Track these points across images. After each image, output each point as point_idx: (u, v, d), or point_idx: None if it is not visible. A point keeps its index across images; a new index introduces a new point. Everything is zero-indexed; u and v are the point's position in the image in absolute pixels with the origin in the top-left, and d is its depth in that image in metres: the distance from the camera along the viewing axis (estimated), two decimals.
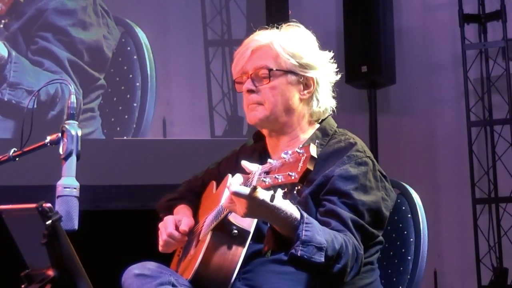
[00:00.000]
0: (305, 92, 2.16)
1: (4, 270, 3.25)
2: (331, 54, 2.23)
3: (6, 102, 4.35)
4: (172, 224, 2.27)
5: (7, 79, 4.37)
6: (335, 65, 2.23)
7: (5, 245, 2.16)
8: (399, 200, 2.30)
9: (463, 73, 5.05)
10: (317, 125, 2.21)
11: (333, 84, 2.23)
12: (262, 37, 2.18)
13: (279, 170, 1.68)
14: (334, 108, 2.24)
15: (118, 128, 4.61)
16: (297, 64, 2.14)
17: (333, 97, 2.23)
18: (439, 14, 5.36)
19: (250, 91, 2.15)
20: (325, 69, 2.19)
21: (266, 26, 2.23)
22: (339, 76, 2.23)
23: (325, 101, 2.19)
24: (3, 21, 4.46)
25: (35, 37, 4.48)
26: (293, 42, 2.16)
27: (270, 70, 2.13)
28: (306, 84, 2.16)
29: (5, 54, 4.39)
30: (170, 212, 2.40)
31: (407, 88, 5.33)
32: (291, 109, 2.15)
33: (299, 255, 1.80)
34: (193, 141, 4.71)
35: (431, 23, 5.36)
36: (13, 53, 4.41)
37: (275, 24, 2.23)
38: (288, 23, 2.23)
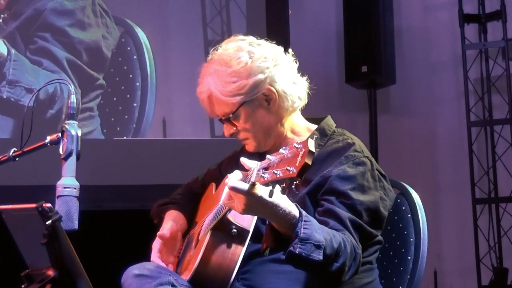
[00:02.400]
0: (271, 103, 2.12)
1: (4, 270, 3.25)
2: (269, 43, 2.15)
3: (4, 100, 4.35)
4: (155, 250, 2.29)
5: (6, 77, 4.36)
6: (279, 48, 2.15)
7: (5, 245, 2.16)
8: (399, 200, 2.30)
9: (463, 73, 5.05)
10: (315, 126, 2.21)
11: (292, 58, 2.16)
12: (203, 86, 2.16)
13: (278, 166, 1.68)
14: (308, 83, 2.17)
15: (118, 128, 4.61)
16: (243, 94, 2.09)
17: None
18: (439, 14, 5.35)
19: (233, 134, 2.18)
20: (272, 64, 2.10)
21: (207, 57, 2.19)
22: (290, 51, 2.17)
23: (294, 91, 2.13)
24: (2, 15, 4.45)
25: (33, 37, 4.48)
26: (227, 78, 2.09)
27: (228, 117, 2.13)
28: (267, 97, 2.12)
29: (5, 52, 4.39)
30: (161, 217, 2.41)
31: (407, 88, 5.33)
32: (272, 128, 2.15)
33: (297, 252, 1.80)
34: (193, 141, 4.71)
35: (431, 23, 5.36)
36: (13, 51, 4.41)
37: (212, 50, 2.18)
38: (213, 49, 2.17)
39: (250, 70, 2.08)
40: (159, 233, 2.30)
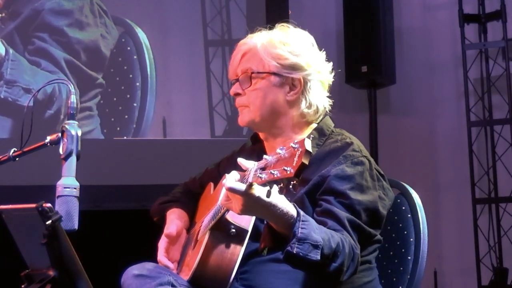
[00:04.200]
0: (292, 93, 2.15)
1: (4, 270, 3.25)
2: (323, 53, 2.21)
3: (2, 100, 4.35)
4: (161, 250, 2.29)
5: (3, 77, 4.36)
6: (330, 64, 2.21)
7: (5, 245, 2.16)
8: (399, 200, 2.30)
9: (463, 73, 5.05)
10: (314, 125, 2.21)
11: (329, 83, 2.21)
12: (252, 39, 2.19)
13: (275, 166, 1.68)
14: (329, 108, 2.22)
15: (118, 128, 4.61)
16: (279, 65, 2.13)
17: (328, 97, 2.22)
18: (439, 14, 5.36)
19: (237, 94, 2.18)
20: (315, 69, 2.16)
21: (264, 27, 2.23)
22: (332, 74, 2.21)
23: (316, 101, 2.17)
24: (0, 15, 4.45)
25: (31, 37, 4.48)
26: (278, 44, 2.14)
27: (252, 73, 2.15)
28: (293, 85, 2.15)
29: (3, 51, 4.39)
30: (162, 216, 2.41)
31: (407, 88, 5.33)
32: (277, 111, 2.15)
33: (294, 252, 1.80)
34: (193, 141, 4.71)
35: (431, 23, 5.36)
36: (11, 50, 4.41)
37: (269, 25, 2.23)
38: (282, 24, 2.22)
39: (301, 54, 2.15)
40: (165, 232, 2.30)
